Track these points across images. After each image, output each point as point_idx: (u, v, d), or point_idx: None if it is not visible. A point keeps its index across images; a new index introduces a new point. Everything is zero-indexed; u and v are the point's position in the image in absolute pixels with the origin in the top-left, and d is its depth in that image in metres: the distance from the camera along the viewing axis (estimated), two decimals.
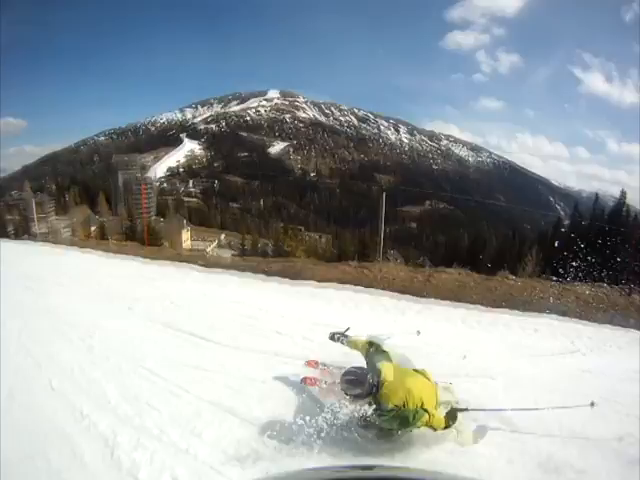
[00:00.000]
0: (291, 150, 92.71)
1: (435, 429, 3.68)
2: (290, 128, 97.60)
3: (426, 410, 3.53)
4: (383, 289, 8.80)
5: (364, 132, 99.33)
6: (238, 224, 65.70)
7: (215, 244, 54.70)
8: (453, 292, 8.14)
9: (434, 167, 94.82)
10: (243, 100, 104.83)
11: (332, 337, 4.87)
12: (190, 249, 37.51)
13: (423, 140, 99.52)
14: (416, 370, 4.02)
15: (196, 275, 11.59)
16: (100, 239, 36.58)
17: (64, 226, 50.06)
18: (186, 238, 52.06)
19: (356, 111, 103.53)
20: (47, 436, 4.62)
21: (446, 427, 3.71)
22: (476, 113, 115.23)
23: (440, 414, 3.73)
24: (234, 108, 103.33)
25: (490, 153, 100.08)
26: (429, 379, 3.94)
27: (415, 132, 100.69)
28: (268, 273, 10.85)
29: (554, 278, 8.81)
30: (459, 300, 7.96)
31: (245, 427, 4.46)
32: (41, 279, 11.63)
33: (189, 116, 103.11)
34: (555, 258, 10.27)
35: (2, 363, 6.35)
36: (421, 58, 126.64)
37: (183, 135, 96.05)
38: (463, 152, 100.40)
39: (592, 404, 3.87)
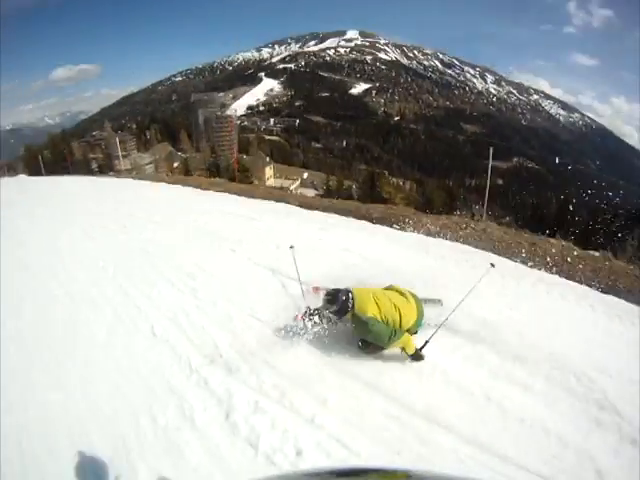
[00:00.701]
0: (373, 92, 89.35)
1: (407, 353, 4.12)
2: (372, 69, 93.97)
3: (406, 331, 4.14)
4: (489, 251, 7.40)
5: (449, 78, 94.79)
6: (320, 164, 64.79)
7: (298, 183, 54.10)
8: (558, 266, 6.60)
9: (523, 122, 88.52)
10: (321, 40, 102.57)
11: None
12: (273, 186, 36.85)
13: (511, 92, 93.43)
14: (401, 292, 4.40)
15: (296, 216, 10.49)
16: (184, 175, 36.57)
17: (147, 162, 51.36)
18: (269, 175, 51.84)
19: (441, 56, 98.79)
20: (152, 391, 4.13)
21: (414, 355, 4.12)
22: (568, 69, 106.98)
23: (413, 341, 4.14)
24: (312, 48, 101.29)
25: (582, 115, 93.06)
26: (414, 301, 4.36)
27: (503, 83, 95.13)
28: (371, 219, 9.66)
29: None
30: (567, 277, 6.29)
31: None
32: (133, 216, 11.21)
33: (266, 55, 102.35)
34: None
35: (100, 304, 6.02)
36: (509, 3, 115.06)
37: (261, 74, 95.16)
38: (554, 109, 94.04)
39: None
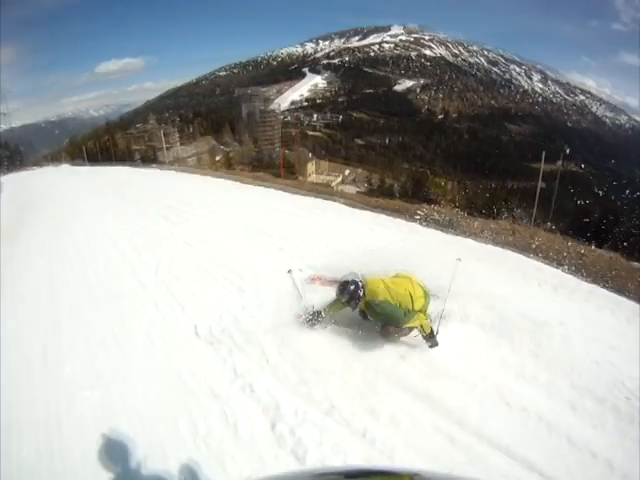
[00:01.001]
0: (417, 89, 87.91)
1: (424, 332, 4.27)
2: (416, 66, 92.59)
3: (418, 312, 4.31)
4: (537, 259, 7.03)
5: (494, 76, 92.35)
6: (362, 160, 64.09)
7: (339, 179, 53.61)
8: (605, 278, 6.16)
9: (568, 124, 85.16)
10: (365, 35, 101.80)
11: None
12: (316, 182, 36.50)
13: (557, 92, 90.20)
14: (407, 277, 4.58)
15: (345, 215, 10.09)
16: (227, 168, 36.77)
17: (190, 155, 52.07)
18: (311, 171, 51.51)
19: (486, 52, 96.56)
20: (193, 394, 3.95)
21: (430, 334, 4.28)
22: (615, 68, 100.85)
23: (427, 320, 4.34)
24: (356, 43, 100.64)
25: (629, 117, 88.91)
26: (420, 286, 4.51)
27: (549, 82, 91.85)
28: (419, 220, 9.18)
29: None
30: (617, 292, 5.86)
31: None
32: (177, 209, 10.97)
33: (310, 50, 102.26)
34: None
35: (141, 298, 5.87)
36: None
37: (305, 69, 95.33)
38: (600, 111, 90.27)
39: None
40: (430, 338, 4.27)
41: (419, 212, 10.01)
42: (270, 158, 46.45)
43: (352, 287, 4.31)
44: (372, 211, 10.19)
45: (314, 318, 4.59)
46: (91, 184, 18.16)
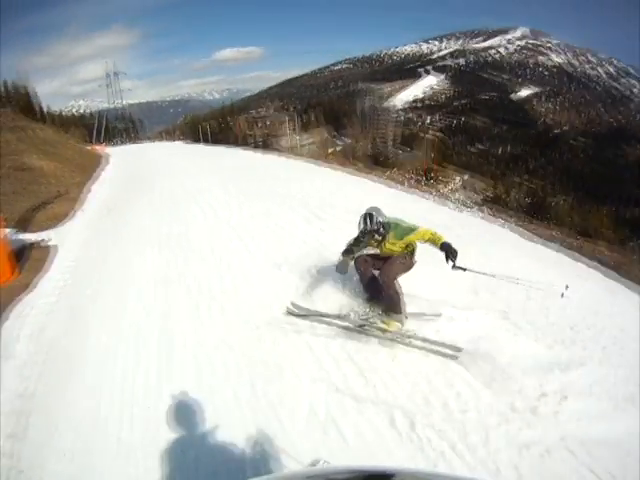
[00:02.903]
0: (535, 99, 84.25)
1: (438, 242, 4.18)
2: (534, 74, 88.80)
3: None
4: None
5: (614, 92, 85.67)
6: (475, 168, 63.58)
7: (451, 186, 53.79)
8: None
9: None
10: (487, 37, 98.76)
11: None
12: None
13: None
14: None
15: (499, 234, 8.68)
16: (342, 161, 36.68)
17: (305, 144, 54.50)
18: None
19: (615, 62, 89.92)
20: None
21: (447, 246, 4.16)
22: None
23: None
24: (475, 45, 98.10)
25: None
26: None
27: None
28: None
29: None
30: None
31: None
32: (317, 206, 9.82)
33: (428, 50, 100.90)
34: None
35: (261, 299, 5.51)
36: None
37: (423, 69, 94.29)
38: None
39: None
40: (448, 249, 4.09)
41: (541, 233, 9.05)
42: (386, 157, 47.54)
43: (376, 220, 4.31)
44: (522, 235, 8.73)
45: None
46: (210, 164, 18.47)
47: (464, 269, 4.19)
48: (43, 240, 7.67)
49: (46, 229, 8.52)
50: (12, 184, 9.83)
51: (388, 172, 25.81)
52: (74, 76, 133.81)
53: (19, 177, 10.27)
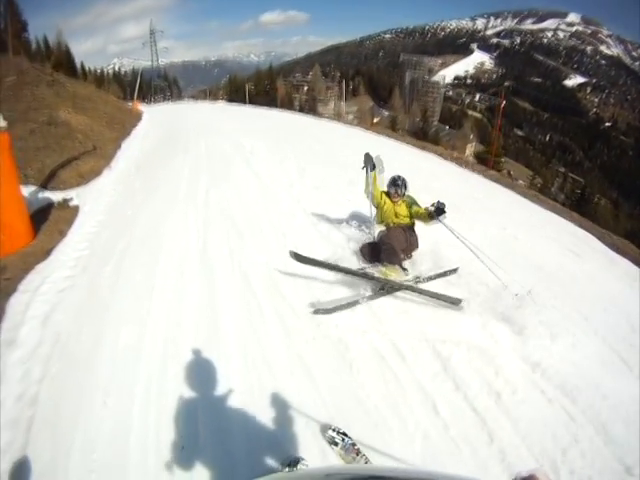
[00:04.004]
0: (588, 88, 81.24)
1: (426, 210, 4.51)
2: (590, 62, 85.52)
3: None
4: None
5: None
6: (519, 153, 61.95)
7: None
8: None
9: None
10: (540, 19, 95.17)
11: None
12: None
13: None
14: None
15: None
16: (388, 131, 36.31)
17: (349, 111, 53.92)
18: (469, 153, 50.98)
19: None
20: None
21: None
22: None
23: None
24: (529, 26, 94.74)
25: None
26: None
27: None
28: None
29: None
30: None
31: None
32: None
33: (480, 26, 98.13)
34: None
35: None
36: None
37: (473, 45, 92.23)
38: None
39: None
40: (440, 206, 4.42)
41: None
42: (426, 132, 46.74)
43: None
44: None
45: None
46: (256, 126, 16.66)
47: (444, 213, 4.37)
48: (66, 200, 7.11)
49: (75, 187, 7.94)
50: (45, 138, 9.42)
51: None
52: (114, 35, 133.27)
53: (52, 132, 9.88)
